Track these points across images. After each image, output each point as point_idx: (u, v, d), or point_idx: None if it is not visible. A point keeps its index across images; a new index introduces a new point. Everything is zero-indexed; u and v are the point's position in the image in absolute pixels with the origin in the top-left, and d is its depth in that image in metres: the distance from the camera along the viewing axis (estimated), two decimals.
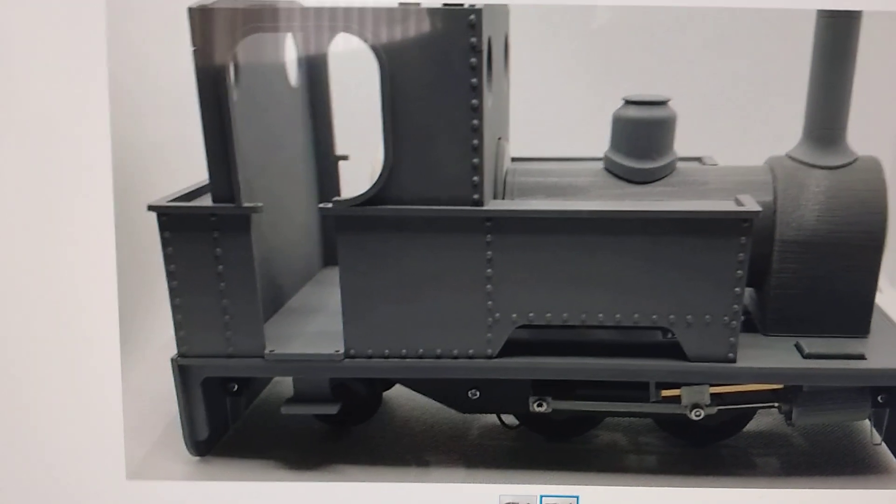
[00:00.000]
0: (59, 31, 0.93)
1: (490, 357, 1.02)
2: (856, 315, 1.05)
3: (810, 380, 1.01)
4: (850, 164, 1.05)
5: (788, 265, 1.04)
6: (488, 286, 0.99)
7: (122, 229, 0.98)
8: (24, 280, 0.98)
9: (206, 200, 1.03)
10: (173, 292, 1.03)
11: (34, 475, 1.01)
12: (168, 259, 1.02)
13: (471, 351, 1.02)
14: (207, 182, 1.01)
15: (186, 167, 1.06)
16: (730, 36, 1.22)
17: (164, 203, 1.01)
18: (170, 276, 1.02)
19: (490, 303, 1.00)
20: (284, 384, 1.24)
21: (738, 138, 1.23)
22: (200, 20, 0.94)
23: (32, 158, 0.96)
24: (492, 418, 1.17)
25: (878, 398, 1.03)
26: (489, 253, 0.98)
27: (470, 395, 1.08)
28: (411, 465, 1.09)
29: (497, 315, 1.01)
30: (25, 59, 0.94)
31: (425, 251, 0.99)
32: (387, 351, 1.03)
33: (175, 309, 1.03)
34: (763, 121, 1.21)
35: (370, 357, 1.03)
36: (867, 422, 1.09)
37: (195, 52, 0.95)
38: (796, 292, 1.05)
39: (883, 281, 1.06)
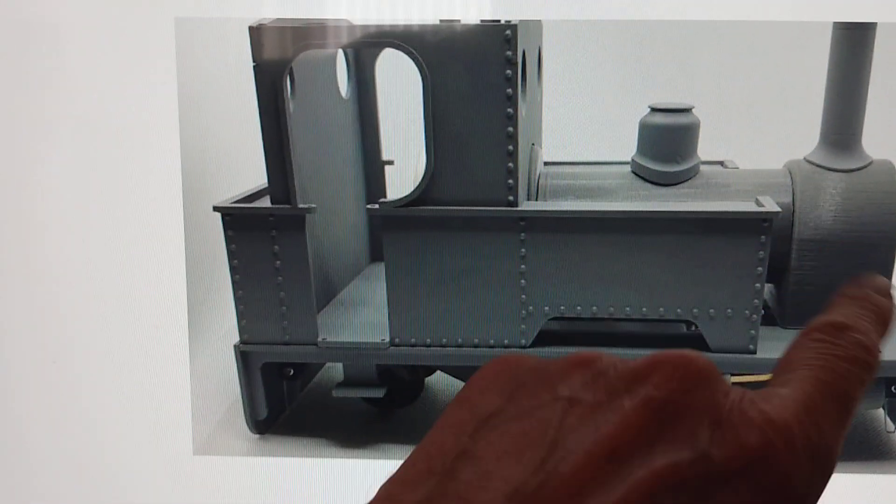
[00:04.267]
0: (132, 48, 0.95)
1: (524, 347, 1.03)
2: None
3: None
4: (864, 167, 1.04)
5: (806, 263, 1.04)
6: (522, 281, 1.00)
7: (191, 228, 1.01)
8: (104, 275, 1.01)
9: (265, 202, 1.05)
10: (236, 285, 1.05)
11: (111, 451, 1.03)
12: (231, 255, 1.04)
13: (505, 341, 1.03)
14: (266, 185, 1.03)
15: (249, 172, 1.08)
16: (750, 46, 1.21)
17: (227, 204, 1.03)
18: (233, 270, 1.04)
19: (523, 296, 1.01)
20: (335, 369, 1.24)
21: (758, 143, 1.21)
22: (259, 38, 0.96)
23: (113, 165, 0.98)
24: None
25: (892, 388, 1.02)
26: (523, 250, 0.99)
27: None
28: None
29: (530, 308, 1.01)
30: (102, 73, 0.96)
31: (464, 248, 1.00)
32: (428, 340, 1.04)
33: (237, 300, 1.05)
34: (782, 126, 1.19)
35: (413, 345, 1.04)
36: (881, 410, 1.08)
37: (255, 67, 0.97)
38: (813, 288, 1.04)
39: None
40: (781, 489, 0.19)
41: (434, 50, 0.94)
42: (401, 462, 0.24)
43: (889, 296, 0.26)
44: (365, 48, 1.26)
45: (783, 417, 0.20)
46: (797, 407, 0.21)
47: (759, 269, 0.97)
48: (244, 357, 1.07)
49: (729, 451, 0.19)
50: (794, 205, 1.04)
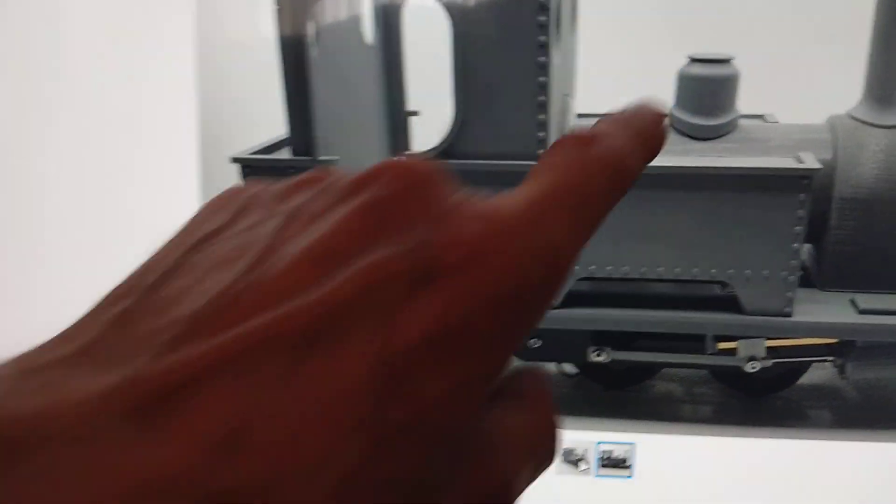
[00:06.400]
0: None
1: (551, 308, 1.02)
2: None
3: (864, 335, 1.00)
4: None
5: (846, 222, 1.02)
6: None
7: (208, 180, 1.00)
8: (118, 227, 1.00)
9: (285, 153, 1.04)
10: None
11: None
12: None
13: None
14: (286, 136, 1.02)
15: (268, 121, 1.07)
16: None
17: (246, 155, 1.02)
18: None
19: None
20: None
21: (800, 96, 1.19)
22: None
23: (128, 114, 0.97)
24: (552, 367, 1.16)
25: None
26: None
27: (531, 343, 1.08)
28: None
29: None
30: (119, 20, 0.95)
31: None
32: None
33: None
34: (825, 79, 1.17)
35: None
36: None
37: (277, 11, 0.95)
38: (853, 249, 1.03)
39: None
40: (496, 284, 0.19)
41: None
42: None
43: (660, 119, 0.25)
44: None
45: (506, 213, 0.20)
46: (524, 206, 0.20)
47: (798, 228, 0.95)
48: None
49: (447, 240, 0.19)
50: (835, 161, 1.02)
